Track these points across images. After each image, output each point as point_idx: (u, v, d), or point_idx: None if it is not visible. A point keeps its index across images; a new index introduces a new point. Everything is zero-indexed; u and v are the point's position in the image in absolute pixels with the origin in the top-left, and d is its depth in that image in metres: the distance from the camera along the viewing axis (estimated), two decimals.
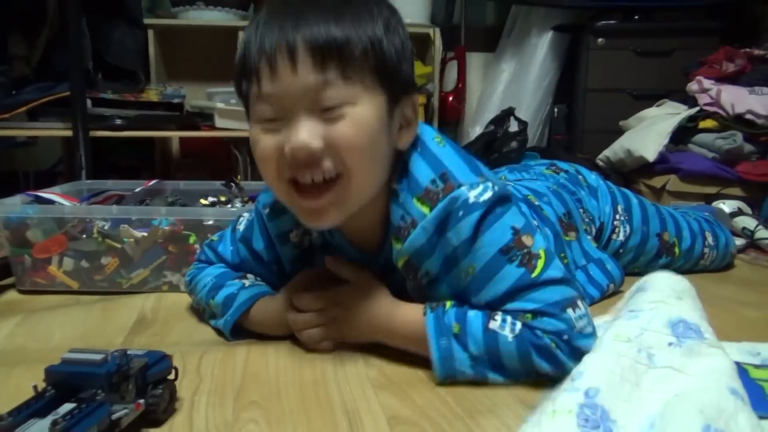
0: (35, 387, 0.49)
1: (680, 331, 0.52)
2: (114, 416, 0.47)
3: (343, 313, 0.68)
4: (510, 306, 0.61)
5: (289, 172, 0.59)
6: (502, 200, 0.62)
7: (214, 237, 0.84)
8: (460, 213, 0.61)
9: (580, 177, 1.01)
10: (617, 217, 0.99)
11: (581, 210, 0.94)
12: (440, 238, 0.62)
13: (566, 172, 1.01)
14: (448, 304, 0.64)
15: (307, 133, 0.57)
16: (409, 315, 0.65)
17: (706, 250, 1.05)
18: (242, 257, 0.79)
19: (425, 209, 0.62)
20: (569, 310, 0.59)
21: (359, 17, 0.58)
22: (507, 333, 0.59)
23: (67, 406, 0.47)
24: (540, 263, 0.61)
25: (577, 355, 0.56)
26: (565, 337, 0.58)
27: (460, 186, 0.61)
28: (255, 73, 0.59)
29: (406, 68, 0.63)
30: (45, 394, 0.49)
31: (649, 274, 0.65)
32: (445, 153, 0.65)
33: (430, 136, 0.67)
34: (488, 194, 0.61)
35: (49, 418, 0.45)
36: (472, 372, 0.60)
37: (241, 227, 0.80)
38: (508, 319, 0.60)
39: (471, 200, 0.60)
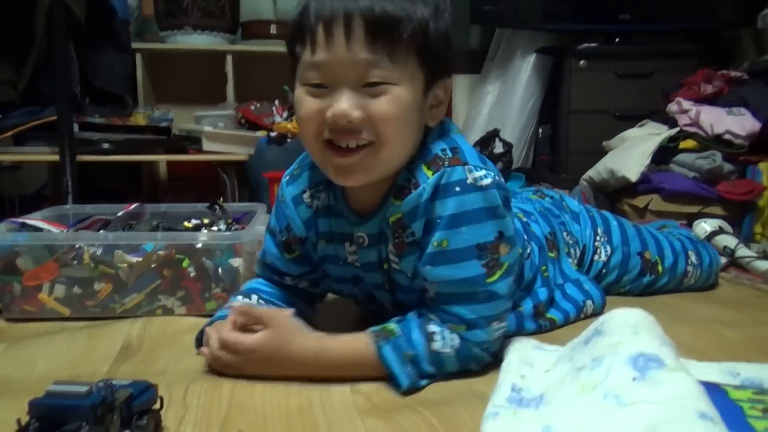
0: (18, 421, 0.49)
1: (641, 364, 0.53)
2: None
3: (267, 355, 0.68)
4: (452, 309, 0.67)
5: (327, 134, 0.64)
6: (505, 201, 0.69)
7: None
8: (457, 189, 0.65)
9: (563, 203, 1.04)
10: (597, 239, 1.01)
11: (565, 233, 0.98)
12: (431, 203, 0.66)
13: (551, 197, 1.05)
14: (394, 330, 0.68)
15: (349, 103, 0.62)
16: (348, 346, 0.69)
17: (690, 268, 1.07)
18: (265, 248, 0.81)
19: (429, 173, 0.67)
20: (494, 324, 0.69)
21: (411, 2, 0.62)
22: (448, 350, 0.67)
23: None
24: (498, 273, 0.68)
25: (496, 356, 0.71)
26: (486, 346, 0.69)
27: (465, 164, 0.66)
28: (310, 39, 0.63)
29: (446, 53, 0.67)
30: (29, 428, 0.48)
31: (605, 314, 0.67)
32: (461, 139, 0.71)
33: (454, 126, 0.74)
34: (488, 180, 0.66)
35: None
36: (425, 382, 0.68)
37: None
38: (446, 334, 0.67)
39: (469, 181, 0.65)
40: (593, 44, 2.16)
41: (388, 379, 0.67)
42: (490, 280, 0.68)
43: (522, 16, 2.23)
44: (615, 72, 2.13)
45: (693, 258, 1.08)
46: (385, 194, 0.72)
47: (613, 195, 1.78)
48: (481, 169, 0.67)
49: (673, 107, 1.77)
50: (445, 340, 0.68)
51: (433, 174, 0.66)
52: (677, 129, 1.72)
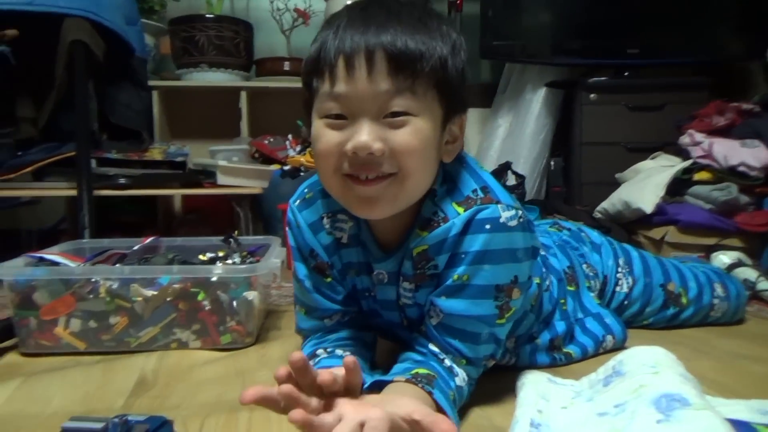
0: None
1: (664, 406, 0.52)
2: None
3: None
4: (455, 343, 0.68)
5: (348, 168, 0.63)
6: (534, 249, 0.69)
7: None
8: (487, 226, 0.65)
9: (583, 234, 1.04)
10: (619, 269, 1.01)
11: (585, 265, 0.97)
12: (460, 237, 0.66)
13: (569, 230, 1.04)
14: (430, 372, 0.64)
15: (370, 135, 0.61)
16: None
17: (716, 300, 1.05)
18: (303, 288, 0.77)
19: (460, 210, 0.66)
20: (486, 362, 0.71)
21: (432, 37, 0.62)
22: (464, 384, 0.67)
23: None
24: (507, 316, 0.68)
25: None
26: (475, 378, 0.70)
27: (498, 202, 0.66)
28: (330, 71, 0.62)
29: (462, 90, 0.67)
30: None
31: (623, 351, 0.68)
32: (488, 175, 0.71)
33: (474, 161, 0.73)
34: (515, 222, 0.66)
35: None
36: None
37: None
38: (456, 369, 0.67)
39: (502, 219, 0.65)
40: (602, 78, 2.18)
41: None
42: (499, 321, 0.68)
43: (531, 51, 2.26)
44: (626, 105, 2.14)
45: (719, 290, 1.06)
46: (409, 226, 0.71)
47: (629, 227, 1.76)
48: (512, 208, 0.67)
49: (685, 139, 1.77)
50: (460, 374, 0.67)
51: (464, 211, 0.66)
52: (691, 161, 1.72)
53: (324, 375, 0.53)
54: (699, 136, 1.73)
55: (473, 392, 0.70)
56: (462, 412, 0.68)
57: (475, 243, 0.65)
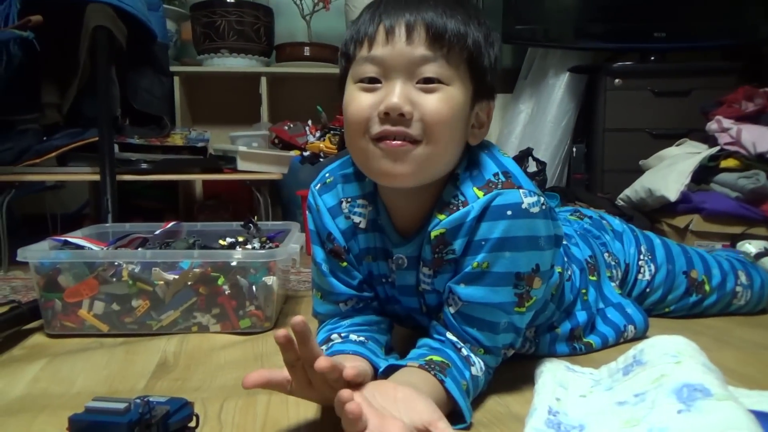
0: None
1: (685, 396, 0.51)
2: None
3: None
4: (472, 332, 0.67)
5: (378, 127, 0.63)
6: (557, 237, 0.68)
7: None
8: (509, 212, 0.64)
9: (604, 222, 1.03)
10: (641, 257, 0.99)
11: (607, 254, 0.95)
12: (477, 223, 0.65)
13: (590, 218, 1.03)
14: (445, 360, 0.64)
15: (403, 97, 0.62)
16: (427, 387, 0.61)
17: (739, 288, 1.04)
18: (320, 271, 0.77)
19: (480, 194, 0.66)
20: (505, 352, 0.71)
21: (468, 22, 0.65)
22: (481, 375, 0.67)
23: None
24: (527, 305, 0.67)
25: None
26: (493, 367, 0.70)
27: (520, 187, 0.65)
28: (369, 38, 0.64)
29: (492, 78, 0.69)
30: None
31: (643, 341, 0.67)
32: (510, 161, 0.71)
33: (497, 149, 0.73)
34: (537, 209, 0.65)
35: None
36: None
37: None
38: (473, 358, 0.67)
39: (524, 206, 0.64)
40: (628, 63, 2.13)
41: (452, 414, 0.61)
42: (518, 309, 0.67)
43: (554, 35, 2.22)
44: (651, 90, 2.09)
45: (743, 278, 1.04)
46: (428, 211, 0.70)
47: (652, 215, 1.74)
48: (534, 194, 0.66)
49: (712, 126, 1.73)
50: (476, 364, 0.67)
51: (483, 195, 0.65)
52: (718, 148, 1.68)
53: (321, 362, 0.53)
54: (727, 123, 1.69)
55: (491, 380, 0.70)
56: (479, 400, 0.68)
57: (496, 230, 0.64)
